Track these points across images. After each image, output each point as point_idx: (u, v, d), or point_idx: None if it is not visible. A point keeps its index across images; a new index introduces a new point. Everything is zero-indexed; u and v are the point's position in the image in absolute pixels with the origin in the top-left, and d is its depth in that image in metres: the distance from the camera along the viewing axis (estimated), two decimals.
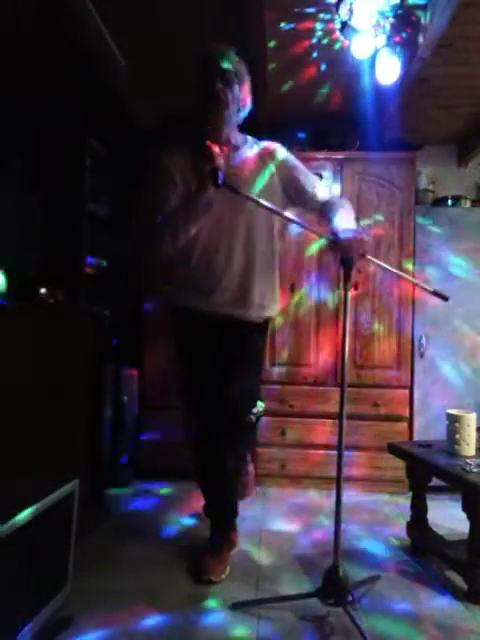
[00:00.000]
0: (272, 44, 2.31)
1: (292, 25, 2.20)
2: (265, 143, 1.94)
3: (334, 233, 1.63)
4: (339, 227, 1.65)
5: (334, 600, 1.55)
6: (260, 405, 2.02)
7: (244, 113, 1.87)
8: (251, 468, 2.14)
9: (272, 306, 1.95)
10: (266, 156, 1.89)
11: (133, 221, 3.02)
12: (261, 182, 1.86)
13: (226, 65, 1.75)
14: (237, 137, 1.90)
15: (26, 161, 2.52)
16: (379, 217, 2.93)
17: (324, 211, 1.84)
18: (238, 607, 1.66)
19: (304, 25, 2.21)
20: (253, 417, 1.97)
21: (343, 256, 1.59)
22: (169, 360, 2.69)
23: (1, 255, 2.30)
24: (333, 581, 1.55)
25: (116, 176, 3.27)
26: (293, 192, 1.90)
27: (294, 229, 2.89)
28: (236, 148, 1.88)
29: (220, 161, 1.67)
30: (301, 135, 3.02)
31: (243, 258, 1.84)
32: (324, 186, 1.93)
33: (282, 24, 2.19)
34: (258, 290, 1.87)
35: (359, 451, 2.85)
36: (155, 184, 1.87)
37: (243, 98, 1.83)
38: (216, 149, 1.69)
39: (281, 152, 1.93)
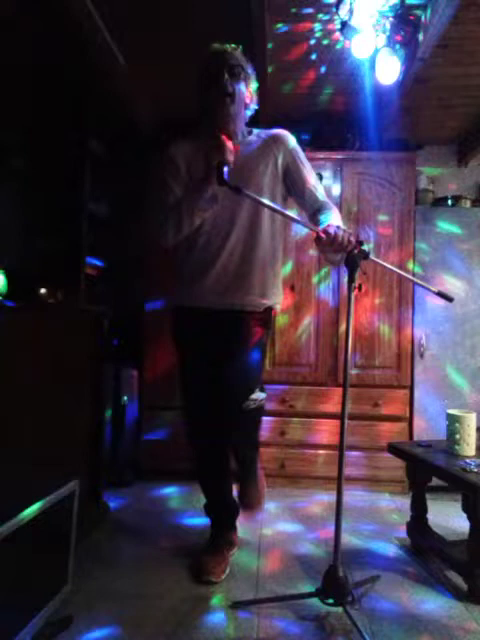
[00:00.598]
0: (271, 45, 2.32)
1: (292, 25, 2.21)
2: (274, 131, 1.93)
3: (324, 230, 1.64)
4: (326, 224, 1.69)
5: (334, 600, 1.55)
6: (260, 395, 1.96)
7: (250, 111, 1.88)
8: (262, 480, 2.08)
9: (273, 295, 1.92)
10: (273, 143, 1.88)
11: (137, 219, 3.02)
12: (264, 174, 1.85)
13: (233, 61, 1.78)
14: (244, 131, 1.91)
15: (26, 161, 2.52)
16: (379, 217, 2.93)
17: (316, 213, 1.84)
18: (238, 607, 1.67)
19: (304, 25, 2.21)
20: (251, 404, 1.91)
21: (329, 250, 1.62)
22: (169, 360, 2.70)
23: (1, 255, 2.30)
24: (333, 581, 1.54)
25: (116, 176, 3.27)
26: (291, 182, 1.89)
27: (294, 229, 2.90)
28: (242, 142, 1.88)
29: (230, 157, 1.68)
30: (301, 135, 3.01)
31: (244, 246, 1.84)
32: (322, 196, 1.91)
33: (282, 24, 2.19)
34: (258, 278, 1.86)
35: (359, 451, 2.86)
36: (160, 173, 1.88)
37: (249, 95, 1.84)
38: (229, 144, 1.70)
39: (291, 140, 1.91)
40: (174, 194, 1.82)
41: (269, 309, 1.93)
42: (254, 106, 1.89)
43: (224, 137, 1.71)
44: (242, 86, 1.80)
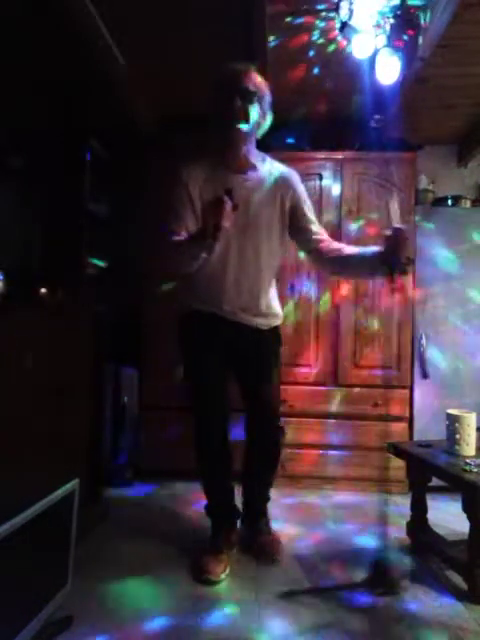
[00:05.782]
0: (272, 42, 2.31)
1: (293, 22, 2.20)
2: (283, 169, 1.94)
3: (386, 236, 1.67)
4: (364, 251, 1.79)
5: (383, 590, 1.64)
6: None
7: (263, 129, 1.89)
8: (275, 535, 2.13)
9: (277, 315, 2.00)
10: (282, 184, 1.90)
11: (138, 225, 3.02)
12: (273, 214, 1.88)
13: (245, 84, 1.76)
14: (255, 155, 1.91)
15: (26, 161, 2.51)
16: (379, 217, 2.92)
17: (325, 244, 1.88)
18: (285, 597, 1.71)
19: (305, 23, 2.21)
20: (279, 421, 2.02)
21: (392, 252, 1.65)
22: (169, 360, 2.70)
23: (1, 255, 2.30)
24: (383, 571, 1.62)
25: (116, 176, 3.28)
26: (294, 221, 1.92)
27: None
28: (253, 167, 1.89)
29: (226, 223, 1.60)
30: (301, 135, 3.01)
31: (253, 271, 1.87)
32: (321, 228, 1.97)
33: (283, 20, 2.18)
34: (265, 301, 1.92)
35: (359, 451, 2.85)
36: (172, 199, 1.85)
37: (262, 115, 1.84)
38: (228, 207, 1.60)
39: (299, 183, 1.95)
40: (184, 223, 1.80)
41: (277, 328, 2.02)
42: (268, 123, 1.88)
43: (225, 199, 1.60)
44: (255, 109, 1.79)
